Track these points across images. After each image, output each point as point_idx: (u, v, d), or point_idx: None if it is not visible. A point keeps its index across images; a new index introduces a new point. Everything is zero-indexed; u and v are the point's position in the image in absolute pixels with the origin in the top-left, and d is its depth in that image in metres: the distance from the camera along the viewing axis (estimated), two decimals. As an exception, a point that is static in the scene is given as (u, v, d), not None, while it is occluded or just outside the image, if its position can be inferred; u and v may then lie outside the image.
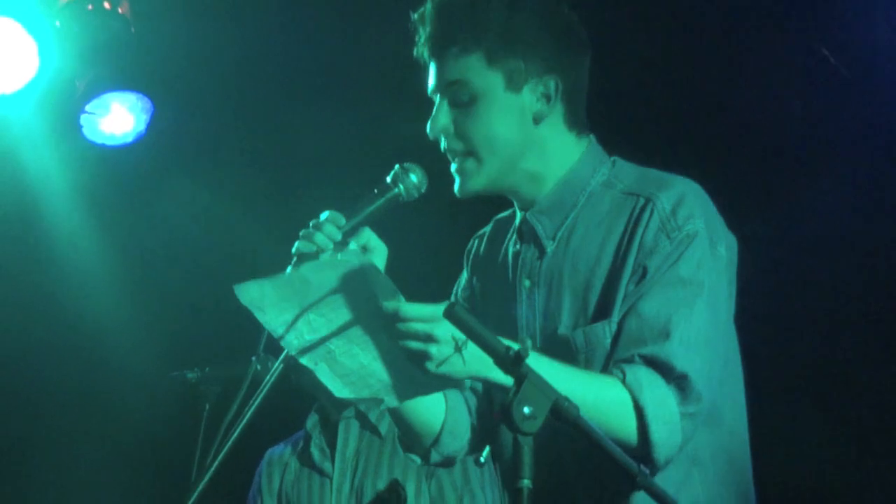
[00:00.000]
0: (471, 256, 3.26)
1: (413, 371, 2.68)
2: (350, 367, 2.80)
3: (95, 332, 6.13)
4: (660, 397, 2.72)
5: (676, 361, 2.74)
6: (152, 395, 5.83)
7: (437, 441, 3.08)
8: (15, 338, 6.09)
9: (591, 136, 3.06)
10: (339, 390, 2.82)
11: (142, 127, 5.57)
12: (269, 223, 5.27)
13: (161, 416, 5.97)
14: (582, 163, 3.01)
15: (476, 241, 3.27)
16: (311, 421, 4.96)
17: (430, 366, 2.62)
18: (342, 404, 4.74)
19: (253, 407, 2.84)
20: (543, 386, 2.31)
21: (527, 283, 3.01)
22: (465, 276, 3.26)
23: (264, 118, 5.78)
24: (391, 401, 2.83)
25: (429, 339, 2.60)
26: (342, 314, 2.77)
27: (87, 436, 6.29)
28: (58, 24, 5.30)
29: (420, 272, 3.72)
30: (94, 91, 5.47)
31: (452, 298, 3.25)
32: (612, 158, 3.06)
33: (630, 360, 2.77)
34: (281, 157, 5.86)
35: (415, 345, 2.62)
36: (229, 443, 2.81)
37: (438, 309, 2.56)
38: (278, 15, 5.42)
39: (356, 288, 2.74)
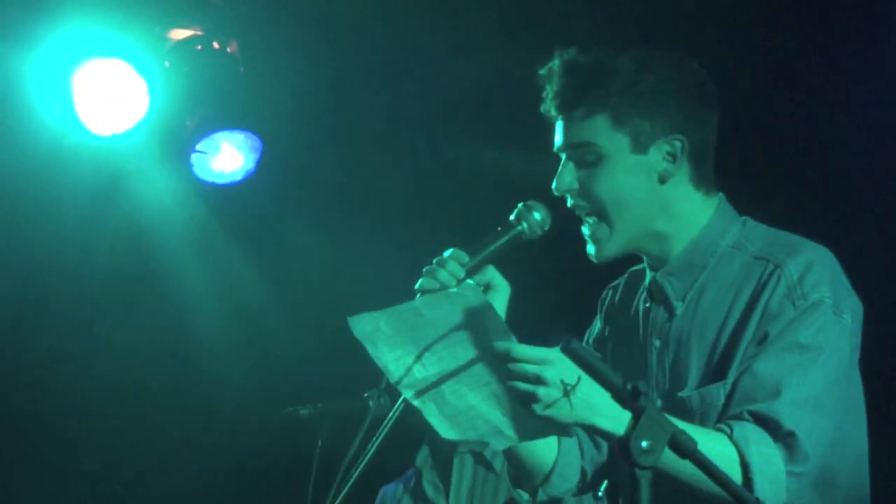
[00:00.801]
0: (605, 306, 3.24)
1: (520, 414, 2.68)
2: (458, 408, 2.78)
3: (207, 368, 6.17)
4: (766, 454, 2.72)
5: (785, 420, 2.73)
6: (266, 432, 5.84)
7: (546, 481, 3.07)
8: (126, 376, 6.15)
9: (721, 195, 3.03)
10: (446, 431, 2.79)
11: (251, 165, 5.62)
12: (383, 260, 5.28)
13: (274, 452, 6.00)
14: (712, 223, 2.99)
15: (610, 292, 3.25)
16: (422, 456, 4.96)
17: (538, 408, 2.61)
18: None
19: (373, 446, 2.84)
20: (661, 420, 2.29)
21: (657, 343, 3.00)
22: (597, 325, 3.25)
23: (375, 155, 5.79)
24: (497, 444, 2.81)
25: (538, 380, 2.60)
26: (453, 353, 2.76)
27: (199, 471, 6.32)
28: (167, 64, 5.38)
29: (541, 313, 3.70)
30: (204, 130, 5.53)
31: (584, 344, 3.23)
32: (743, 219, 3.04)
33: (739, 417, 2.77)
34: (393, 193, 5.87)
35: (523, 386, 2.62)
36: (350, 482, 2.81)
37: (549, 351, 2.58)
38: (387, 52, 5.43)
39: (469, 325, 2.74)
